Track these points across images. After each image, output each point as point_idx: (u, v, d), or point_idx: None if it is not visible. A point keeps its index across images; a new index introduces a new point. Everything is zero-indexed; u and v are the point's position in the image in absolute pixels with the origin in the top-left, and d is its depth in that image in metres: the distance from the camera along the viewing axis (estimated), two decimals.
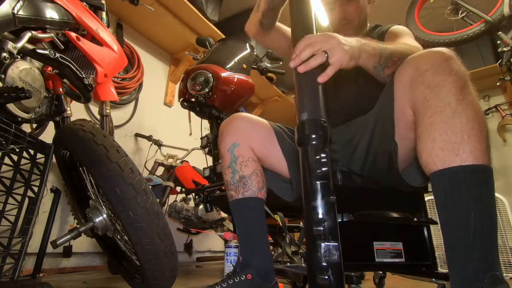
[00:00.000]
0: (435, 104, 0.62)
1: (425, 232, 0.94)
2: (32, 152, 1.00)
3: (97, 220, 1.02)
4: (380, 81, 0.85)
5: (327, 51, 0.66)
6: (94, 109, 2.12)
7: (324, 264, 0.50)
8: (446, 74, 0.63)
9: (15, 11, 0.84)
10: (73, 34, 1.05)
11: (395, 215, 0.91)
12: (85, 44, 1.08)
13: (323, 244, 0.51)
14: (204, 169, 1.76)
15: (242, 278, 0.80)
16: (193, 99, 1.69)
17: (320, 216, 0.54)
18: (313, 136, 0.57)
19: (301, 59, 0.65)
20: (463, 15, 2.18)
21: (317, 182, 0.55)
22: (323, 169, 0.55)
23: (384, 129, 0.82)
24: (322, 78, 0.63)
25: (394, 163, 0.81)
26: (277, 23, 1.09)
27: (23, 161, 0.98)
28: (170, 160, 2.17)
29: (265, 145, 0.96)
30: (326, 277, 0.50)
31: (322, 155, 0.56)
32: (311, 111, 0.59)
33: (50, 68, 1.14)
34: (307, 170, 0.56)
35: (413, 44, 0.94)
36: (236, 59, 1.80)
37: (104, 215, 1.03)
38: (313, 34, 0.69)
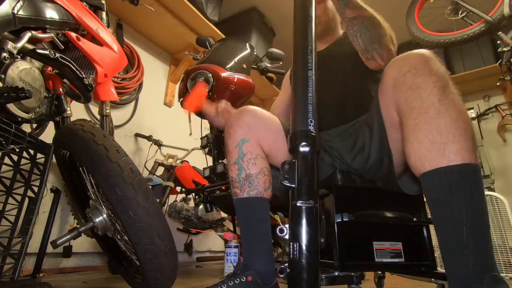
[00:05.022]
0: (418, 105, 0.63)
1: (425, 232, 0.94)
2: (32, 152, 1.00)
3: (97, 220, 1.03)
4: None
5: None
6: (94, 109, 2.12)
7: (287, 263, 0.55)
8: (426, 76, 0.63)
9: (15, 11, 0.84)
10: (73, 34, 1.05)
11: (394, 215, 0.91)
12: (85, 44, 1.08)
13: (287, 244, 0.56)
14: (204, 169, 1.76)
15: (243, 280, 0.79)
16: None
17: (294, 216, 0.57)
18: (303, 144, 0.59)
19: None
20: (463, 15, 2.18)
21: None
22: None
23: (381, 135, 0.82)
24: None
25: (392, 170, 0.80)
26: None
27: (23, 161, 0.98)
28: (170, 160, 2.17)
29: (274, 142, 0.92)
30: (287, 274, 0.55)
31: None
32: (303, 123, 0.61)
33: (50, 68, 1.14)
34: None
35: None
36: (236, 59, 1.80)
37: (104, 215, 1.03)
38: None
